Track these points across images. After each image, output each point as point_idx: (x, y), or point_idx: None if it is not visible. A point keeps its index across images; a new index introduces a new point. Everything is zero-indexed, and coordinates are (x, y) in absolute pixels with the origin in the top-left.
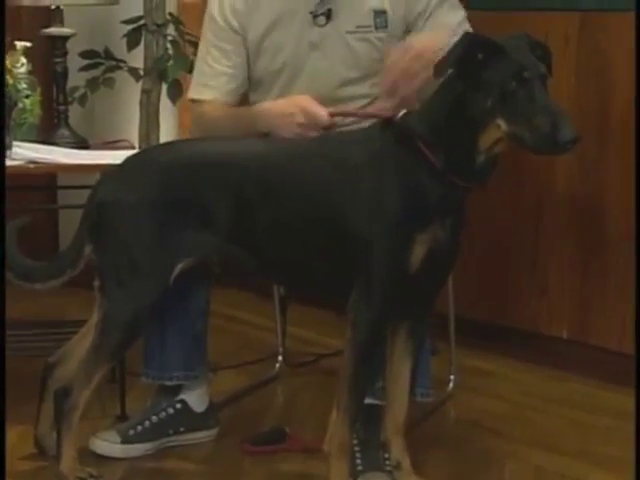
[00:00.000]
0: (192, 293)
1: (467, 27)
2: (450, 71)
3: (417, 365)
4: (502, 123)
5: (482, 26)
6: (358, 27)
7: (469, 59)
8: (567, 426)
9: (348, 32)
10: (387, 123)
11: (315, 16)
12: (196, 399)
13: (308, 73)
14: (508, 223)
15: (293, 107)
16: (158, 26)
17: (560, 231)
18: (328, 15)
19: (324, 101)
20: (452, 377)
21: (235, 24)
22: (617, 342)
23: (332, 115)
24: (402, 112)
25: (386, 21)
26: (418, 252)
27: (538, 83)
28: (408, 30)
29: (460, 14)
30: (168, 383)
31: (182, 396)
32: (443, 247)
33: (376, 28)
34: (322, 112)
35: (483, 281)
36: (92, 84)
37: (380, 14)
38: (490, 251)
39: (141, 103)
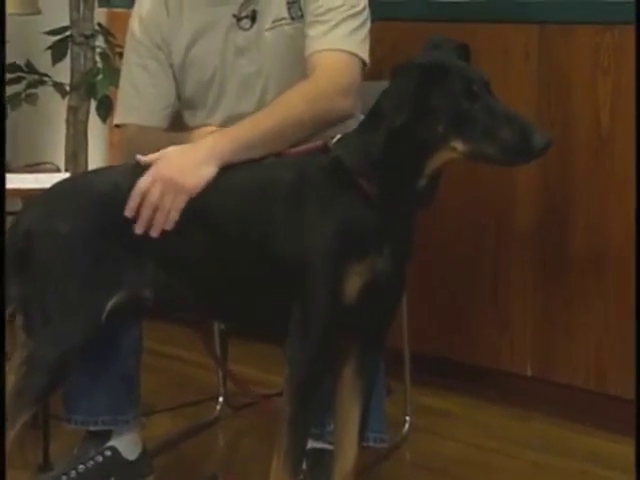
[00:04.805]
0: (123, 330)
1: None
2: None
3: (369, 407)
4: (458, 144)
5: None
6: (274, 21)
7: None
8: (531, 470)
9: (267, 29)
10: (319, 150)
11: (239, 19)
12: (127, 445)
13: (237, 81)
14: (466, 253)
15: None
16: (86, 37)
17: (522, 262)
18: (253, 17)
19: (256, 106)
20: (408, 418)
21: (158, 39)
22: (584, 379)
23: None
24: (336, 138)
25: (300, 9)
26: (354, 284)
27: (487, 92)
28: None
29: None
30: (94, 428)
31: (112, 442)
32: (383, 278)
33: (292, 19)
34: None
35: (440, 314)
36: (13, 101)
37: (292, 4)
38: (448, 282)
39: (67, 121)
